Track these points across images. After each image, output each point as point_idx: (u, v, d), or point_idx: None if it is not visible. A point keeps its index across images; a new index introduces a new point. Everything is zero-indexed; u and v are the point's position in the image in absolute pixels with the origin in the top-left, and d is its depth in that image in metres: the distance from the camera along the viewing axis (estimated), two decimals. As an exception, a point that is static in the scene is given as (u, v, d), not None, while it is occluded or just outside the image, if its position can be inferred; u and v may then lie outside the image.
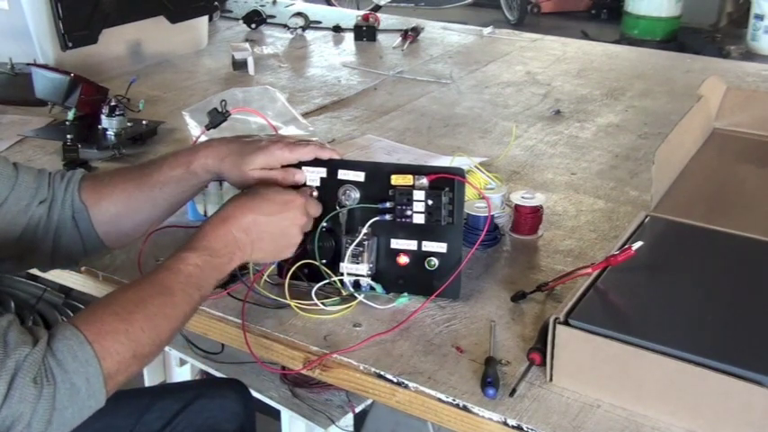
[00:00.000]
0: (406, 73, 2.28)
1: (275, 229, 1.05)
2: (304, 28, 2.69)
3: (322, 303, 1.13)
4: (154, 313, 0.91)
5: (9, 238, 1.08)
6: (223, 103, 1.28)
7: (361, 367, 1.03)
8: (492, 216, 1.23)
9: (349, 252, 1.13)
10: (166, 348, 1.87)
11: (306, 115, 1.88)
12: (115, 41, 2.19)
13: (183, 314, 0.95)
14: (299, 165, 1.14)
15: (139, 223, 1.16)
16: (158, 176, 1.13)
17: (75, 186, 1.13)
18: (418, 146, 1.71)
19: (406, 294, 1.15)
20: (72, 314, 2.34)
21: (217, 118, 1.28)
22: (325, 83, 2.20)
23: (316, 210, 1.12)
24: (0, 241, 1.07)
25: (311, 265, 1.16)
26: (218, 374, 1.84)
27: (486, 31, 2.73)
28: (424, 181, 1.13)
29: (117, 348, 0.85)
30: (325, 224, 1.14)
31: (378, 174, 1.15)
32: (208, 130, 1.29)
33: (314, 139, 1.66)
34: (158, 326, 0.91)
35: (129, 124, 1.74)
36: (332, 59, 2.44)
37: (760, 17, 5.91)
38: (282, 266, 1.17)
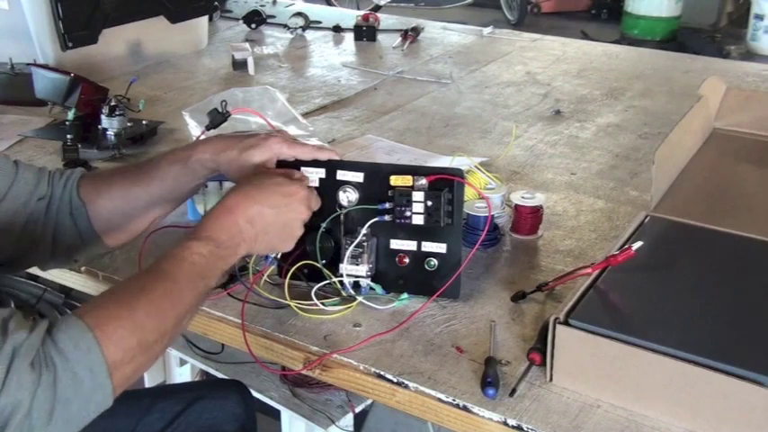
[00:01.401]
0: (406, 73, 2.28)
1: (279, 222, 1.04)
2: (304, 28, 2.69)
3: (322, 303, 1.13)
4: (158, 299, 0.87)
5: (8, 234, 1.08)
6: (223, 103, 1.28)
7: (361, 367, 1.03)
8: (492, 216, 1.23)
9: (348, 253, 1.13)
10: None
11: (306, 115, 1.88)
12: (115, 41, 2.19)
13: (188, 303, 0.91)
14: (297, 165, 1.14)
15: (138, 220, 1.16)
16: (156, 173, 1.12)
17: (73, 184, 1.13)
18: (418, 146, 1.71)
19: (406, 295, 1.15)
20: (72, 314, 2.34)
21: (217, 118, 1.28)
22: (325, 83, 2.20)
23: (316, 203, 1.11)
24: None
25: (311, 265, 1.16)
26: (218, 375, 1.84)
27: (486, 31, 2.73)
28: (424, 182, 1.12)
29: (120, 334, 0.82)
30: (324, 226, 1.14)
31: (377, 174, 1.14)
32: (208, 130, 1.29)
33: (313, 139, 1.66)
34: (162, 312, 0.87)
35: (129, 124, 1.73)
36: (332, 59, 2.44)
37: (760, 17, 5.91)
38: (282, 267, 1.17)
